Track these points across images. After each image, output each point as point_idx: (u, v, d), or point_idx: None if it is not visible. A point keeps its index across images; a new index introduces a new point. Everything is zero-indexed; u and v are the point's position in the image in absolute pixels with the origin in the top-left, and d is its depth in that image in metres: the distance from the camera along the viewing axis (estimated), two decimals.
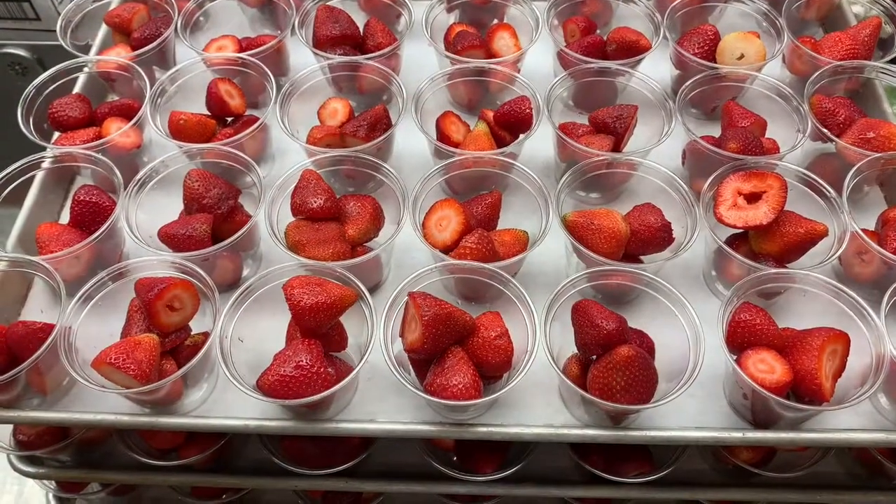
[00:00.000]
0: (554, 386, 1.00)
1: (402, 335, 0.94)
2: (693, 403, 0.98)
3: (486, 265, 0.98)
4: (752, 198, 1.04)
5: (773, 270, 0.99)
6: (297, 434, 0.96)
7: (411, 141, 1.24)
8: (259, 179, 1.09)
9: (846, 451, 1.15)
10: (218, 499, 1.24)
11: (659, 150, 1.14)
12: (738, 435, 0.95)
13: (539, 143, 1.20)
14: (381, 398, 0.99)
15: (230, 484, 1.17)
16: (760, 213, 1.03)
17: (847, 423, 0.96)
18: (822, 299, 0.98)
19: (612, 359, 0.88)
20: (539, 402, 0.99)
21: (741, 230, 1.06)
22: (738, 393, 0.97)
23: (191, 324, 0.99)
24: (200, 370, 0.99)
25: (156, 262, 1.00)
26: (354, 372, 0.89)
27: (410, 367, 0.95)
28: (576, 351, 0.96)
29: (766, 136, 1.19)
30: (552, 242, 1.04)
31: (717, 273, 1.10)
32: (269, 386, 0.87)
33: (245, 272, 1.13)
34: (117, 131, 1.18)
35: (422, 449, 1.09)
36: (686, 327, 0.94)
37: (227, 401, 0.99)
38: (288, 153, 1.28)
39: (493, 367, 0.92)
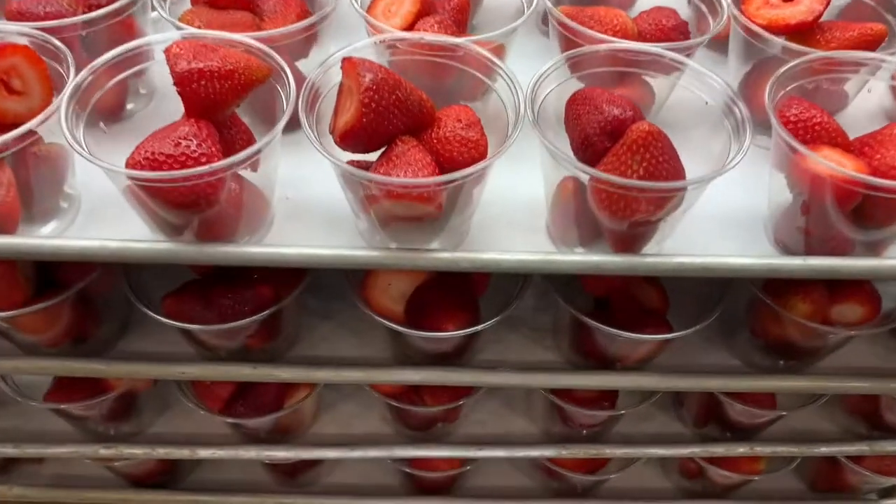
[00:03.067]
0: (540, 226, 0.74)
1: (332, 130, 0.68)
2: (732, 237, 0.74)
3: (455, 39, 0.72)
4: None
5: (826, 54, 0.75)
6: (181, 262, 0.68)
7: None
8: None
9: None
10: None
11: None
12: (797, 262, 0.70)
13: None
14: (306, 232, 0.72)
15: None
16: (802, 9, 0.80)
17: None
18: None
19: (626, 140, 0.64)
20: (520, 242, 0.73)
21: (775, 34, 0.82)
22: (790, 215, 0.72)
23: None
24: (51, 191, 0.71)
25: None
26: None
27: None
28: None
29: None
30: None
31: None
32: (137, 165, 0.60)
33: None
34: None
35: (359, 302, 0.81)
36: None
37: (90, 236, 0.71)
38: None
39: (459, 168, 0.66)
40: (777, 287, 0.78)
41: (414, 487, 1.12)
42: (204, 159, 0.61)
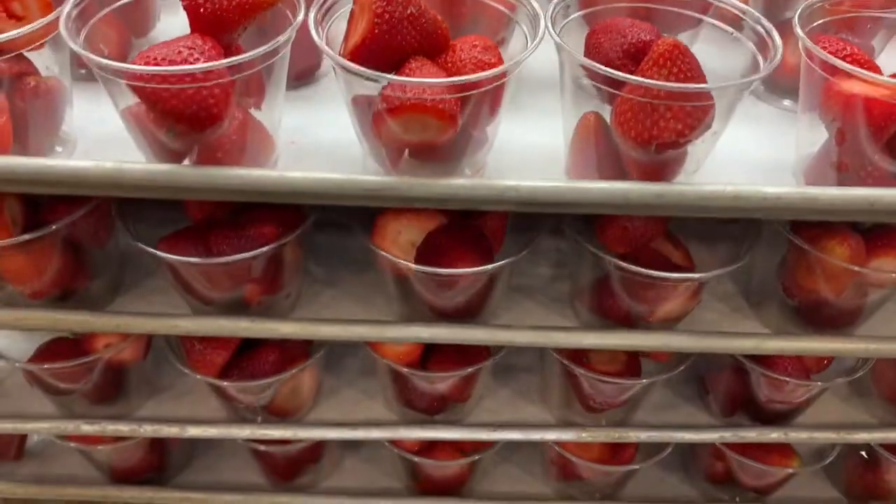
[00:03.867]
0: (558, 172, 0.71)
1: (342, 52, 0.65)
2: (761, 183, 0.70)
3: None
4: None
5: None
6: (179, 187, 0.64)
7: None
8: None
9: None
10: None
11: None
12: (834, 191, 0.65)
13: None
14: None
15: None
16: None
17: None
18: None
19: (652, 55, 0.61)
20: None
21: None
22: (822, 155, 0.69)
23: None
24: (47, 128, 0.69)
25: None
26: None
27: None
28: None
29: None
30: None
31: None
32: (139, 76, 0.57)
33: None
34: None
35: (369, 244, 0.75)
36: None
37: None
38: None
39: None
40: (811, 236, 0.74)
41: (420, 488, 1.04)
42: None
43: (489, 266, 0.71)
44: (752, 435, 0.88)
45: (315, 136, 0.74)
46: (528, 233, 0.77)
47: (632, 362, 0.88)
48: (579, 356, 0.86)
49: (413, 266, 0.71)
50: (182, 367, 0.81)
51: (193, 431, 0.86)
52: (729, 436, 0.88)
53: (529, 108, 0.78)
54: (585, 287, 0.81)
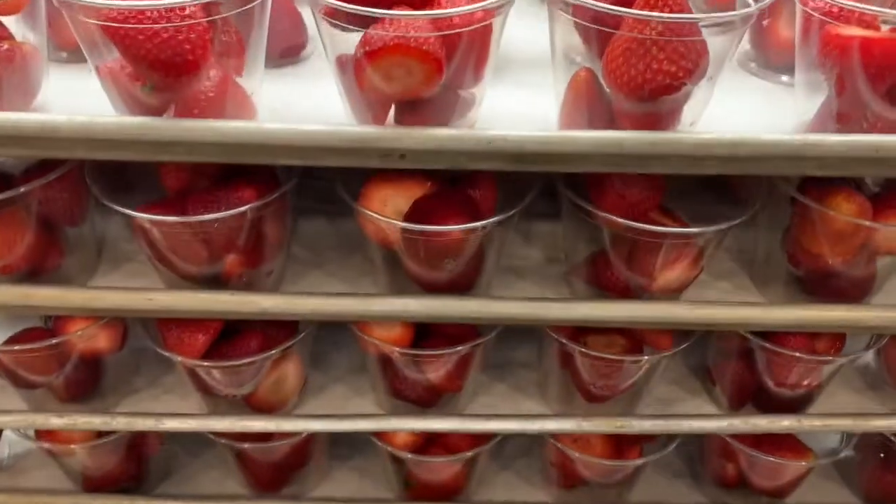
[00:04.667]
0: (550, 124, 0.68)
1: None
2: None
3: None
4: None
5: None
6: (156, 141, 0.61)
7: None
8: None
9: None
10: None
11: None
12: (836, 138, 0.62)
13: None
14: None
15: None
16: None
17: None
18: None
19: None
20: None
21: None
22: (821, 114, 0.66)
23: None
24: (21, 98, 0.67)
25: None
26: None
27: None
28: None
29: None
30: None
31: None
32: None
33: None
34: None
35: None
36: None
37: None
38: None
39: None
40: (817, 196, 0.70)
41: (413, 496, 0.98)
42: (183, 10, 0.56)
43: (478, 223, 0.68)
44: (763, 423, 0.83)
45: (298, 109, 0.71)
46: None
47: (632, 348, 0.84)
48: (577, 340, 0.82)
49: (400, 224, 0.68)
50: (160, 350, 0.77)
51: (170, 424, 0.81)
52: (738, 423, 0.83)
53: (518, 81, 0.76)
54: (581, 261, 0.77)
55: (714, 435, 0.95)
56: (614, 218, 0.68)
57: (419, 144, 0.62)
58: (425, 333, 0.82)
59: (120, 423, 0.81)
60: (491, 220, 0.68)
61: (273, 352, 0.78)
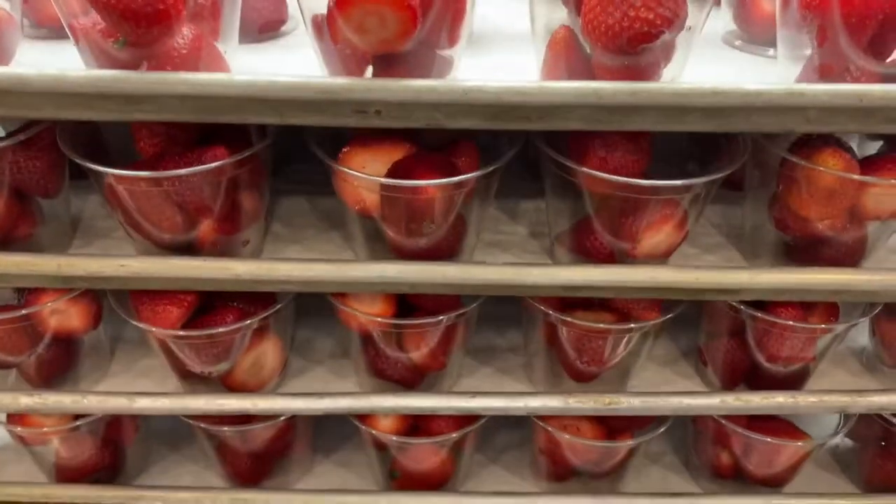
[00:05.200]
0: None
1: None
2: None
3: None
4: None
5: None
6: (129, 95, 0.60)
7: None
8: None
9: None
10: None
11: None
12: (820, 86, 0.61)
13: None
14: None
15: None
16: None
17: None
18: None
19: None
20: None
21: None
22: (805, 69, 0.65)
23: None
24: None
25: None
26: None
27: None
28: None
29: None
30: None
31: None
32: None
33: None
34: None
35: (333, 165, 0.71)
36: None
37: None
38: None
39: None
40: (803, 155, 0.69)
41: (398, 487, 0.94)
42: None
43: (456, 178, 0.66)
44: (757, 399, 0.81)
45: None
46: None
47: (619, 323, 0.81)
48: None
49: (377, 179, 0.66)
50: (134, 322, 0.75)
51: (143, 403, 0.79)
52: (731, 400, 0.81)
53: (498, 49, 0.76)
54: (565, 231, 0.76)
55: (707, 420, 0.93)
56: (594, 172, 0.67)
57: (393, 95, 0.61)
58: (407, 310, 0.80)
59: (91, 403, 0.78)
60: (470, 174, 0.67)
61: (249, 321, 0.76)
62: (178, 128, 0.70)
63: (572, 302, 0.81)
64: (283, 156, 0.90)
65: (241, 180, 0.71)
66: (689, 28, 0.62)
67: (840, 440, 1.04)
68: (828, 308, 0.81)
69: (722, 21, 0.85)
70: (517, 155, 0.72)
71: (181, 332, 0.74)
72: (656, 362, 0.92)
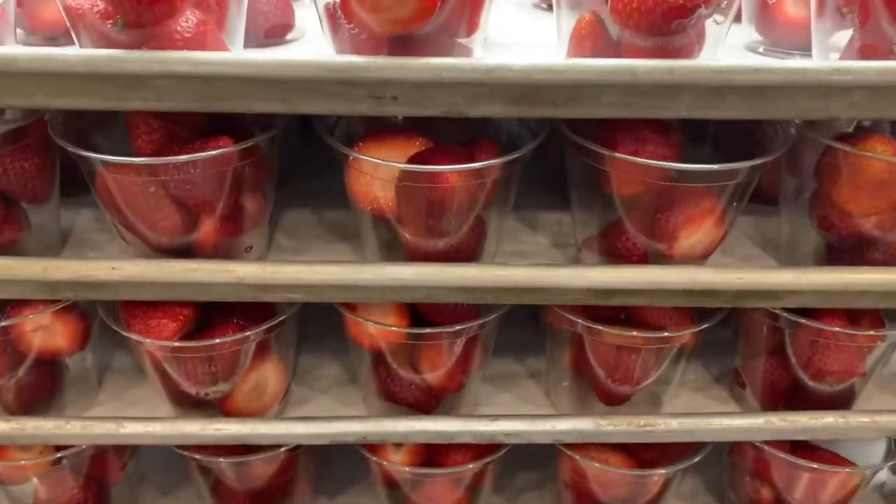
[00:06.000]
0: None
1: None
2: None
3: None
4: None
5: None
6: (116, 73, 0.55)
7: None
8: None
9: None
10: None
11: None
12: (864, 64, 0.57)
13: None
14: None
15: None
16: None
17: None
18: None
19: None
20: None
21: None
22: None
23: None
24: None
25: None
26: None
27: None
28: None
29: None
30: None
31: None
32: None
33: None
34: None
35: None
36: None
37: None
38: None
39: None
40: (849, 143, 0.65)
41: None
42: None
43: (480, 163, 0.61)
44: (804, 420, 0.74)
45: None
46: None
47: None
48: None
49: (396, 164, 0.61)
50: (126, 333, 0.68)
51: (132, 428, 0.71)
52: (776, 421, 0.74)
53: (517, 48, 0.73)
54: (594, 235, 0.70)
55: (746, 450, 0.86)
56: (630, 158, 0.62)
57: (411, 74, 0.57)
58: (421, 326, 0.74)
59: (75, 429, 0.71)
60: (494, 160, 0.62)
61: (250, 333, 0.69)
62: (178, 123, 0.66)
63: (598, 318, 0.75)
64: (289, 169, 0.86)
65: (244, 177, 0.66)
66: (724, 7, 0.59)
67: (888, 476, 0.97)
68: (873, 320, 0.75)
69: (743, 34, 0.82)
70: (537, 165, 0.69)
71: (177, 343, 0.68)
72: (689, 388, 0.86)
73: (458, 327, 0.69)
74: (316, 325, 0.89)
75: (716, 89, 0.58)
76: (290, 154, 0.85)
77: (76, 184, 0.75)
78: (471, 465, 0.79)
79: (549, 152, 0.86)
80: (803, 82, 0.58)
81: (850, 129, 0.71)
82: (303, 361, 0.87)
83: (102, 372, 0.85)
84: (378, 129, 0.68)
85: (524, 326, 0.90)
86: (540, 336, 0.84)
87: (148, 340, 0.67)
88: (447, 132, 0.77)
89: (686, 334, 0.71)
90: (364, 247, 0.73)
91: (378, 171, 0.63)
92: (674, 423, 0.74)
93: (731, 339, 0.84)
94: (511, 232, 0.79)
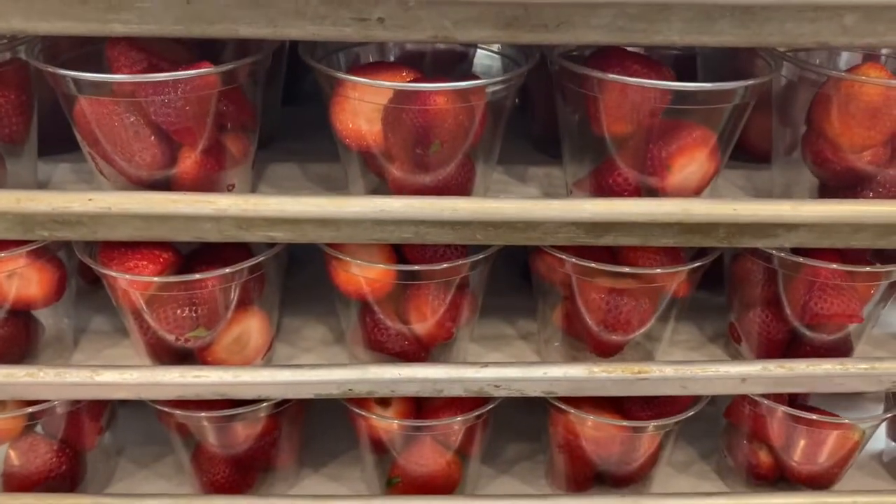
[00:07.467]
0: None
1: None
2: None
3: None
4: None
5: None
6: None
7: None
8: None
9: None
10: None
11: None
12: None
13: None
14: None
15: None
16: None
17: None
18: None
19: None
20: None
21: None
22: None
23: None
24: None
25: None
26: None
27: None
28: None
29: None
30: None
31: None
32: None
33: None
34: None
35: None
36: None
37: None
38: None
39: None
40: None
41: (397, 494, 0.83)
42: None
43: (469, 83, 0.60)
44: (802, 367, 0.72)
45: None
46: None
47: None
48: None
49: (386, 83, 0.60)
50: (105, 270, 0.66)
51: (107, 376, 0.68)
52: (773, 367, 0.72)
53: None
54: (585, 175, 0.69)
55: (742, 409, 0.83)
56: (623, 78, 0.61)
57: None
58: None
59: (48, 376, 0.68)
60: (482, 80, 0.61)
61: (230, 270, 0.67)
62: (159, 56, 0.64)
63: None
64: (275, 132, 0.84)
65: (226, 114, 0.64)
66: None
67: (887, 445, 0.95)
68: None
69: None
70: (525, 126, 0.70)
71: (156, 279, 0.65)
72: (683, 347, 0.84)
73: (446, 265, 0.68)
74: (302, 285, 0.87)
75: (707, 12, 0.58)
76: (275, 118, 0.84)
77: (54, 142, 0.73)
78: (459, 418, 0.76)
79: (535, 111, 0.86)
80: (792, 2, 0.57)
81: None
82: (287, 322, 0.85)
83: (79, 334, 0.83)
84: (366, 64, 0.67)
85: (515, 289, 0.88)
86: (532, 300, 0.82)
87: (127, 276, 0.65)
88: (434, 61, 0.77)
89: (679, 272, 0.69)
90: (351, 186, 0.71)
91: (366, 95, 0.61)
92: (668, 370, 0.72)
93: (725, 304, 0.83)
94: (500, 185, 0.77)
